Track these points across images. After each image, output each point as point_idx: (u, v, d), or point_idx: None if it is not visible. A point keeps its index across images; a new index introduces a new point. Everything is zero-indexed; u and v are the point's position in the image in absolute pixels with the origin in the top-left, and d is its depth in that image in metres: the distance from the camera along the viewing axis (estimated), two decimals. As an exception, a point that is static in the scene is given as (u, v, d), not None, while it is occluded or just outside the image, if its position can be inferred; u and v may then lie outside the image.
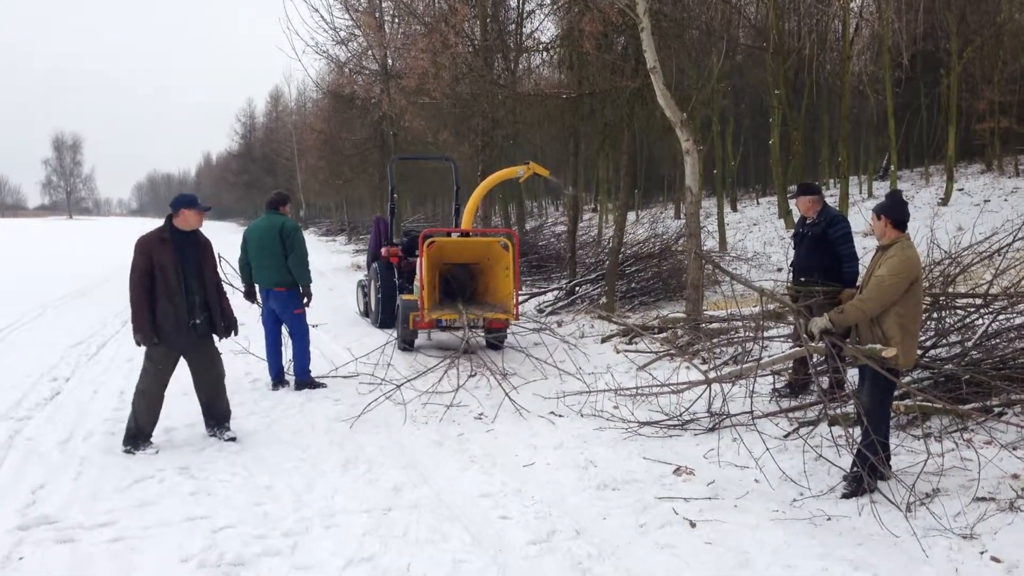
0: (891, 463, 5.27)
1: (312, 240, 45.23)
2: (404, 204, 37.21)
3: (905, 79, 24.61)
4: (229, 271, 8.76)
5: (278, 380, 8.39)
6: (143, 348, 6.24)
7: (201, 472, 5.69)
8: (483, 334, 10.53)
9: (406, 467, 5.83)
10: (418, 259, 9.97)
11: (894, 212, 5.13)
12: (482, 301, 10.40)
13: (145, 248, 6.14)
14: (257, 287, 8.42)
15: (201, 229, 6.48)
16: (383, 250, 12.49)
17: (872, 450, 4.94)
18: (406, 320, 10.01)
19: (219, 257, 8.81)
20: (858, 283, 7.16)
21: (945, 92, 24.85)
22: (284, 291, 8.24)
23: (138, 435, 6.18)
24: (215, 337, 6.55)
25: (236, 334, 6.75)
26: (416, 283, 10.49)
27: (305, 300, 8.38)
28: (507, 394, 7.68)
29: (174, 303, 6.15)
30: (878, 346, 4.95)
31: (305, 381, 8.32)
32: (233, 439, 6.47)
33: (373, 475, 5.67)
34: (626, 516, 4.88)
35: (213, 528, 4.70)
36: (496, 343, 10.40)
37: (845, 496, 5.01)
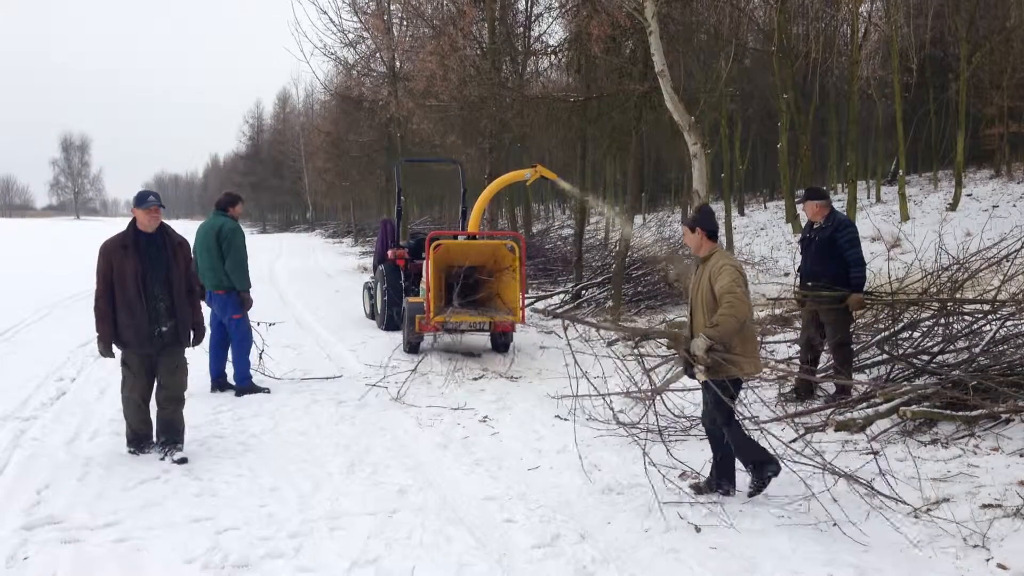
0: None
1: (319, 242, 45.32)
2: (411, 206, 37.26)
3: (914, 84, 24.57)
4: None
5: (216, 383, 8.28)
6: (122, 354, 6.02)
7: (206, 473, 5.70)
8: (489, 337, 10.53)
9: (411, 470, 5.83)
10: (424, 261, 9.97)
11: (708, 223, 5.18)
12: (488, 304, 10.39)
13: (106, 254, 5.84)
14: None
15: (175, 228, 6.17)
16: (389, 252, 12.51)
17: (730, 459, 5.16)
18: (412, 322, 10.01)
19: None
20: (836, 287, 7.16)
21: (954, 97, 24.78)
22: (222, 294, 8.12)
23: (135, 439, 6.11)
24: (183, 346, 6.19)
25: (200, 343, 6.37)
26: (422, 285, 10.49)
27: (245, 305, 8.22)
28: (512, 381, 7.66)
29: (133, 312, 5.79)
30: (679, 369, 4.98)
31: (244, 388, 8.14)
32: (183, 460, 5.91)
33: (378, 477, 5.66)
34: (631, 520, 4.86)
35: (217, 529, 4.71)
36: (502, 346, 10.39)
37: (751, 494, 5.12)
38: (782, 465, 5.11)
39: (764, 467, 5.10)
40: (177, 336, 6.04)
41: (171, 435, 6.10)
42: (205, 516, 4.90)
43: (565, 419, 7.13)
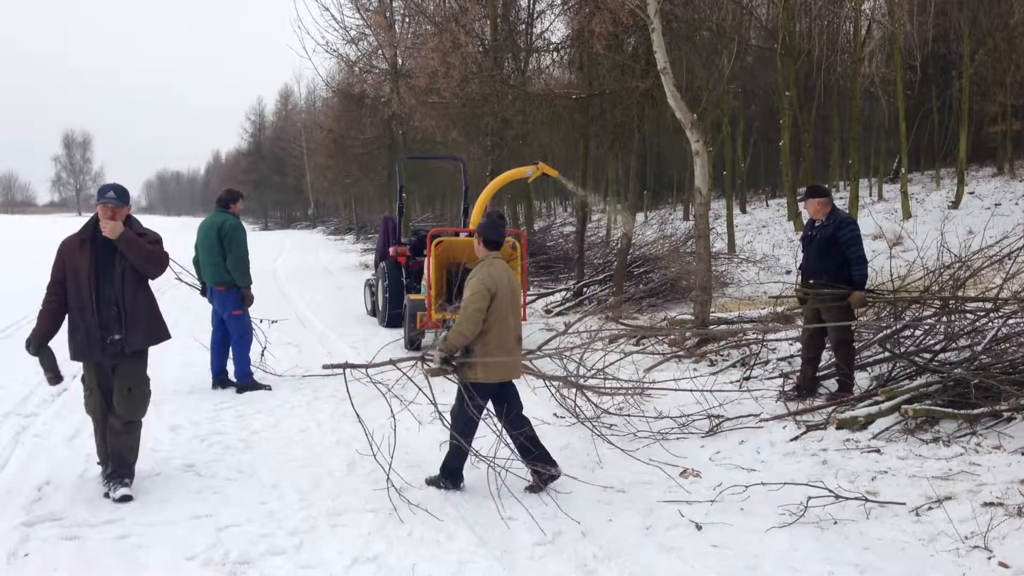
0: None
1: (320, 239, 45.32)
2: (413, 204, 37.23)
3: (917, 81, 24.51)
4: (178, 269, 8.71)
5: (218, 379, 8.28)
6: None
7: (207, 470, 5.70)
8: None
9: (412, 467, 5.83)
10: (426, 259, 9.97)
11: (482, 231, 5.44)
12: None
13: (61, 251, 5.22)
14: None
15: (168, 225, 5.89)
16: (391, 249, 12.50)
17: (458, 454, 5.37)
18: (413, 319, 10.01)
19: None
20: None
21: (957, 95, 24.71)
22: (223, 290, 8.15)
23: (104, 466, 5.37)
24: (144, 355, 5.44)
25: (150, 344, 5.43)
26: (423, 283, 10.49)
27: (246, 302, 8.23)
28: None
29: (84, 316, 5.10)
30: (431, 364, 5.38)
31: (246, 384, 8.15)
32: (127, 498, 5.07)
33: (379, 475, 5.65)
34: (632, 518, 4.86)
35: (218, 526, 4.71)
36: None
37: (429, 481, 5.46)
38: (462, 489, 5.38)
39: (449, 478, 5.40)
40: (123, 350, 5.22)
41: (118, 466, 5.24)
42: (206, 513, 4.90)
43: (562, 417, 7.12)
